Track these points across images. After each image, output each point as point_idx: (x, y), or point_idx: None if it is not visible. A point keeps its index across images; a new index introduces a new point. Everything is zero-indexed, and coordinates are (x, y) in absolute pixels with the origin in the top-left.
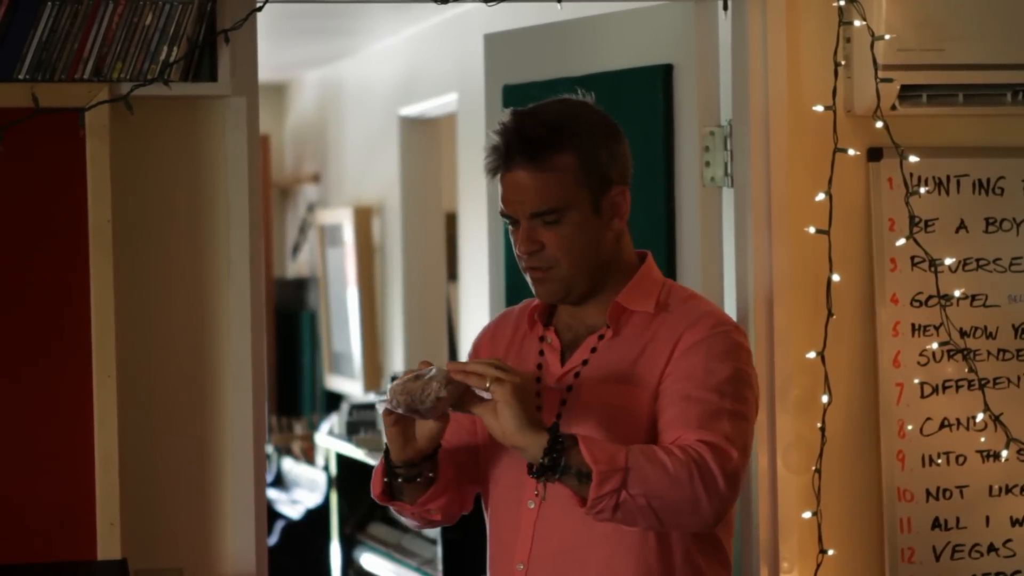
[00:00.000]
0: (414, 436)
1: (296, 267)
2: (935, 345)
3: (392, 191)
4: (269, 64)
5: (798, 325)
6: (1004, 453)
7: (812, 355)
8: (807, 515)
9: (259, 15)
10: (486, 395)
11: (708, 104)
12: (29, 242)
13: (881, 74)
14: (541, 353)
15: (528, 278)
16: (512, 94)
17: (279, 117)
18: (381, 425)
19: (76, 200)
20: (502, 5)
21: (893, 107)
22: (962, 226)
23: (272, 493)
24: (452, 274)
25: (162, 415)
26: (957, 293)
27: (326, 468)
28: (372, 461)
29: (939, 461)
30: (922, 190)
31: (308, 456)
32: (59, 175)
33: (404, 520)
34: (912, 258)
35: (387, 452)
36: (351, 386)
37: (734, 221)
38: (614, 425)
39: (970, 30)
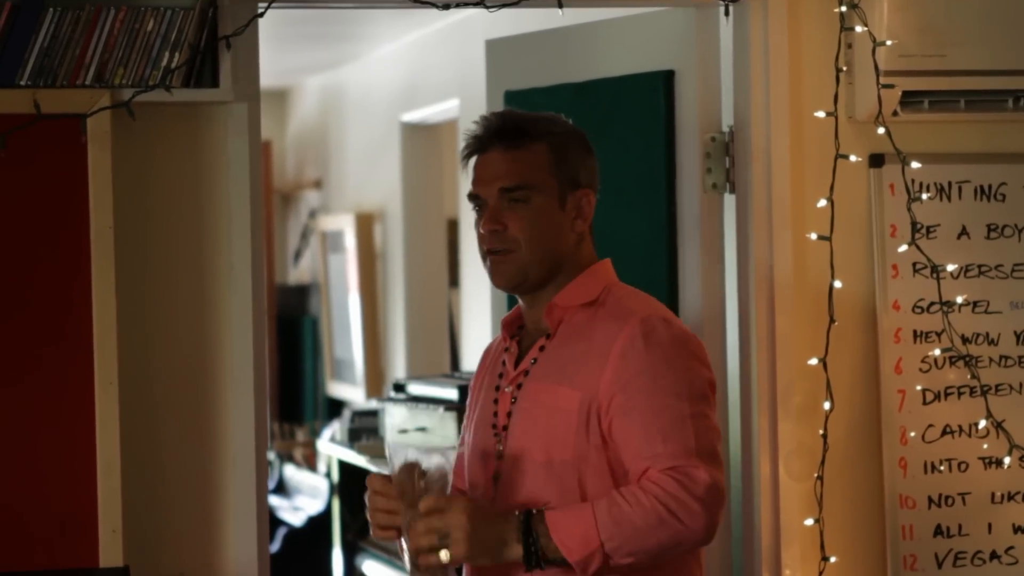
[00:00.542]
0: None
1: (298, 273)
2: (937, 352)
3: (394, 197)
4: (271, 70)
5: (800, 332)
6: (1007, 460)
7: (814, 362)
8: (809, 522)
9: (260, 21)
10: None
11: (709, 110)
12: (31, 248)
13: (883, 80)
14: (503, 362)
15: (487, 265)
16: (514, 100)
17: (281, 123)
18: (384, 432)
19: (78, 206)
20: (504, 11)
21: (895, 113)
22: (964, 232)
23: (274, 500)
24: (454, 280)
25: (164, 421)
26: (959, 299)
27: (328, 475)
28: (374, 468)
29: (941, 468)
30: (924, 196)
31: (310, 463)
32: (61, 181)
33: None
34: (914, 264)
35: None
36: (353, 392)
37: (735, 227)
38: (551, 425)
39: (972, 36)
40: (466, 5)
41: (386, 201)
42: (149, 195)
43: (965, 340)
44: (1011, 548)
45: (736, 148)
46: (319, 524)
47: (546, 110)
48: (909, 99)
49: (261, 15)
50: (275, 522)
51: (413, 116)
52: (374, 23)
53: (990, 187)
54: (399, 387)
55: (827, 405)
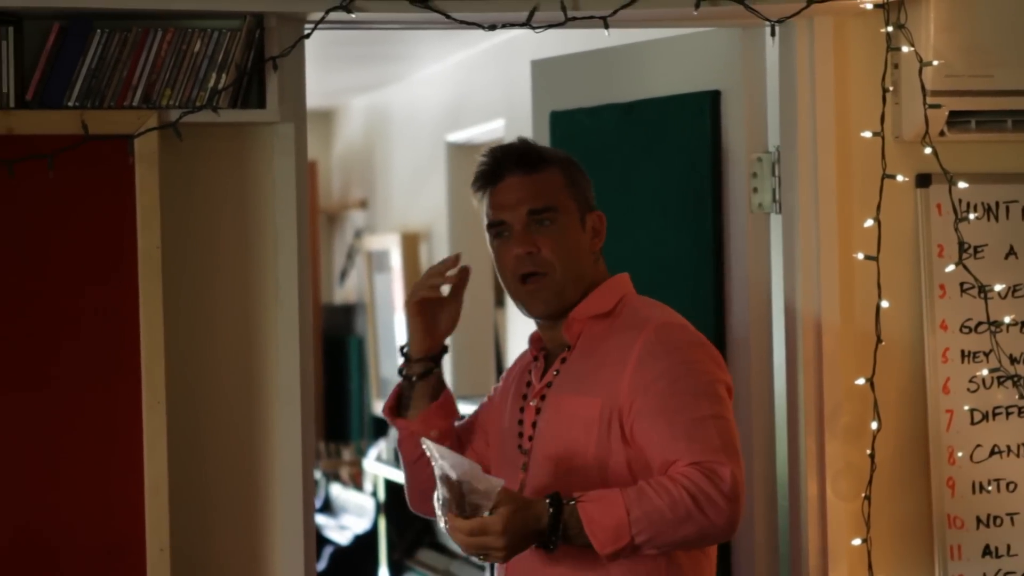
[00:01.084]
0: (436, 326)
1: (344, 293)
2: (985, 371)
3: (439, 217)
4: (316, 91)
5: (847, 352)
6: None
7: (861, 381)
8: (857, 542)
9: (307, 42)
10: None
11: (756, 130)
12: (78, 269)
13: (929, 100)
14: (530, 375)
15: (520, 292)
16: (559, 120)
17: (326, 143)
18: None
19: (125, 227)
20: (550, 31)
21: (942, 133)
22: (1011, 252)
23: (320, 519)
24: (499, 300)
25: (211, 441)
26: (1007, 319)
27: (374, 494)
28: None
29: (989, 488)
30: (971, 216)
31: (356, 482)
32: (108, 202)
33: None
34: (961, 284)
35: (404, 353)
36: None
37: (782, 247)
38: (573, 434)
39: (1018, 56)
40: (512, 26)
41: (432, 221)
42: (196, 215)
43: (1013, 360)
44: None
45: (783, 168)
46: (365, 543)
47: (592, 130)
48: (956, 119)
49: (307, 36)
50: (321, 541)
51: (459, 136)
52: (420, 44)
53: None
54: None
55: (874, 425)
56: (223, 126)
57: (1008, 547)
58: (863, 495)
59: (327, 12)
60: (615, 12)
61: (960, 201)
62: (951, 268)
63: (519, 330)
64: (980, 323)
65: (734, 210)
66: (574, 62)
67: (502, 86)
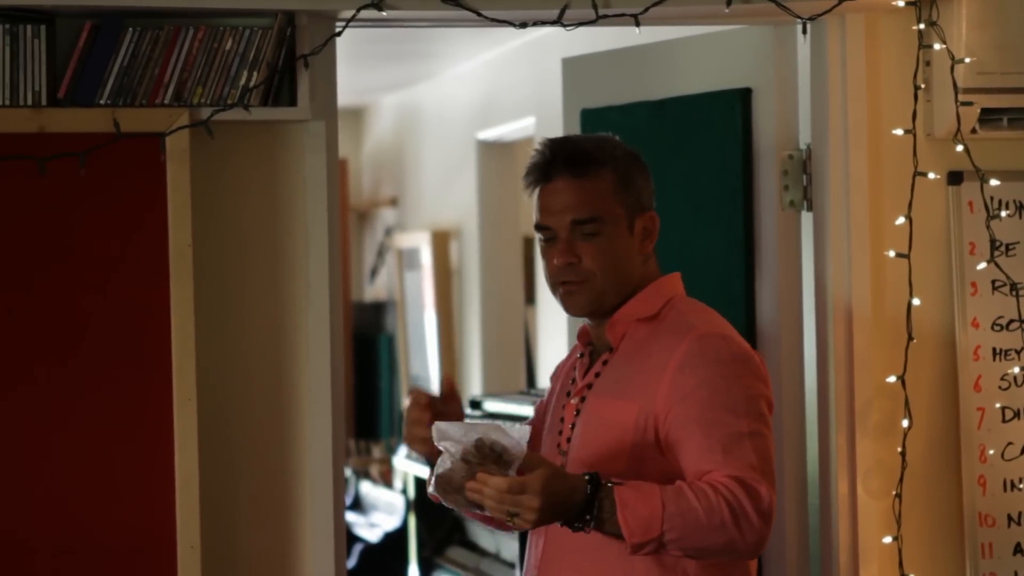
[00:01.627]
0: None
1: (374, 291)
2: (1016, 370)
3: (470, 215)
4: (347, 88)
5: (878, 349)
6: None
7: (892, 379)
8: (888, 540)
9: (338, 40)
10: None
11: (787, 128)
12: (110, 266)
13: (961, 97)
14: (575, 372)
15: (558, 294)
16: (590, 118)
17: (357, 141)
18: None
19: (156, 224)
20: (580, 29)
21: (973, 130)
22: None
23: (350, 516)
24: (530, 297)
25: (241, 438)
26: None
27: (404, 491)
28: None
29: (1021, 486)
30: (1003, 214)
31: (386, 479)
32: (140, 199)
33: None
34: (993, 282)
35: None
36: None
37: (813, 245)
38: (608, 438)
39: None
40: (543, 23)
41: (462, 219)
42: (227, 213)
43: None
44: None
45: (813, 166)
46: (395, 540)
47: (623, 128)
48: (988, 116)
49: (338, 34)
50: (351, 538)
51: (489, 134)
52: (450, 42)
53: None
54: (475, 404)
55: (905, 423)
56: (254, 124)
57: None
58: (894, 493)
59: (358, 10)
60: (646, 10)
61: (992, 199)
62: (983, 266)
63: (549, 327)
64: (1012, 321)
65: (765, 208)
66: (605, 60)
67: (533, 84)
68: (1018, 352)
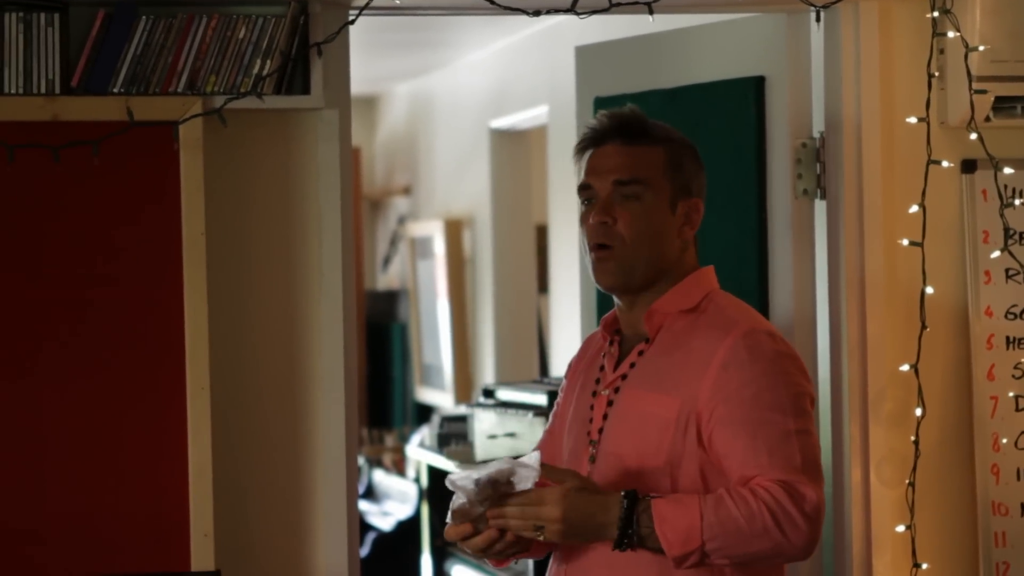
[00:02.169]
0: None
1: (387, 279)
2: None
3: (483, 203)
4: (360, 77)
5: (891, 337)
6: None
7: (905, 368)
8: (901, 529)
9: (351, 28)
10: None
11: (800, 116)
12: (123, 254)
13: (975, 85)
14: (603, 363)
15: (590, 260)
16: (603, 106)
17: (370, 130)
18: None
19: (169, 213)
20: (593, 17)
21: (987, 119)
22: None
23: (363, 505)
24: (543, 286)
25: (255, 427)
26: None
27: (417, 480)
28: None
29: None
30: (1016, 202)
31: (399, 468)
32: (153, 188)
33: None
34: (1007, 270)
35: None
36: (442, 398)
37: (826, 233)
38: (646, 432)
39: None
40: (556, 11)
41: (475, 207)
42: (240, 201)
43: None
44: None
45: (827, 154)
46: (408, 529)
47: None
48: (1002, 104)
49: (352, 22)
50: (364, 527)
51: (502, 122)
52: (463, 30)
53: None
54: (488, 392)
55: (919, 411)
56: (267, 112)
57: None
58: (907, 482)
59: None
60: None
61: (1005, 187)
62: (996, 254)
63: (563, 315)
64: None
65: (778, 196)
66: (618, 48)
67: (546, 72)
68: None
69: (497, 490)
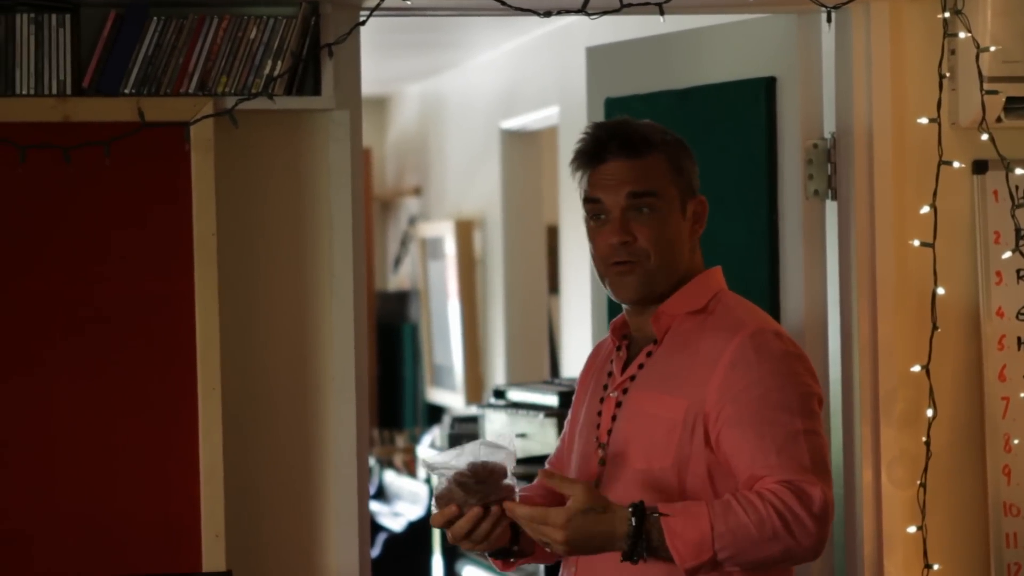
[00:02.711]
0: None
1: (398, 280)
2: None
3: (494, 204)
4: (371, 78)
5: (903, 338)
6: None
7: (917, 368)
8: (912, 530)
9: (362, 29)
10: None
11: (811, 117)
12: (134, 255)
13: (986, 86)
14: (611, 366)
15: (607, 276)
16: (614, 107)
17: (381, 130)
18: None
19: (180, 213)
20: (604, 18)
21: (999, 119)
22: None
23: (374, 506)
24: (553, 287)
25: (266, 427)
26: None
27: (428, 481)
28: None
29: None
30: None
31: (410, 469)
32: (164, 188)
33: None
34: (1018, 271)
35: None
36: (452, 399)
37: (837, 234)
38: (654, 433)
39: None
40: (567, 12)
41: (486, 208)
42: (251, 202)
43: None
44: None
45: (838, 155)
46: (419, 530)
47: (647, 117)
48: (1013, 105)
49: (363, 23)
50: (375, 528)
51: (513, 123)
52: (474, 31)
53: None
54: (499, 393)
55: (930, 412)
56: (278, 113)
57: None
58: (918, 482)
59: None
60: None
61: (1017, 188)
62: (1008, 255)
63: (573, 316)
64: None
65: (789, 197)
66: (629, 48)
67: (556, 73)
68: None
69: (476, 476)
